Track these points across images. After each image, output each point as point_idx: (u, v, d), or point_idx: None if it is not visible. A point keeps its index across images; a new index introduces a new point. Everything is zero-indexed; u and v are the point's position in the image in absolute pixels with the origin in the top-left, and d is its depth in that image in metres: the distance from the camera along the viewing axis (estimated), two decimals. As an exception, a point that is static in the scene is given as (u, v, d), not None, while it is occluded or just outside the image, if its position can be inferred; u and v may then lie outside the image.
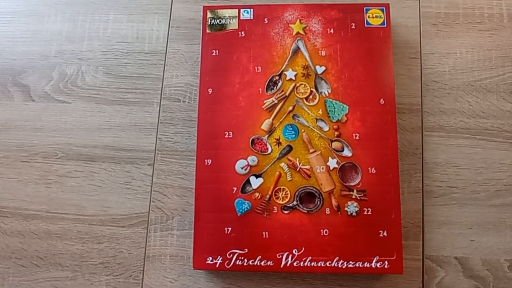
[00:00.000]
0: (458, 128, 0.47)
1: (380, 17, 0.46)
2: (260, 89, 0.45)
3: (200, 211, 0.43)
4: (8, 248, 0.47)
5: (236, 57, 0.46)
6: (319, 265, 0.42)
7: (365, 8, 0.46)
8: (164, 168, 0.48)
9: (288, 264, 0.42)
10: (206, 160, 0.44)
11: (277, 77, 0.45)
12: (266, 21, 0.47)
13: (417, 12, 0.50)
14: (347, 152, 0.44)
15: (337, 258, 0.42)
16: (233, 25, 0.47)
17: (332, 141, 0.44)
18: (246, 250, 0.42)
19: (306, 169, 0.43)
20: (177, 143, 0.48)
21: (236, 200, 0.43)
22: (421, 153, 0.47)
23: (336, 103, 0.45)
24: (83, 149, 0.49)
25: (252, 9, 0.47)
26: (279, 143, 0.44)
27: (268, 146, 0.44)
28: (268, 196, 0.43)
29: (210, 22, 0.47)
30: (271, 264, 0.42)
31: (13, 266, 0.46)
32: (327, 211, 0.43)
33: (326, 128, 0.44)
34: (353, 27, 0.46)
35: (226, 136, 0.44)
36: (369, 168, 0.43)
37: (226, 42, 0.46)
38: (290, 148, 0.44)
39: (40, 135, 0.49)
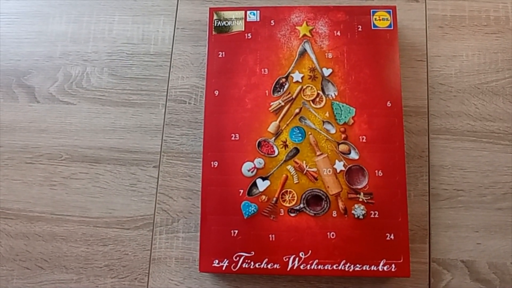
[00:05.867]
0: (465, 131, 0.47)
1: (387, 19, 0.46)
2: (267, 91, 0.45)
3: (206, 213, 0.43)
4: (13, 250, 0.47)
5: (242, 59, 0.46)
6: (325, 268, 0.42)
7: (371, 10, 0.46)
8: (169, 170, 0.47)
9: (294, 267, 0.42)
10: (212, 162, 0.44)
11: (283, 79, 0.45)
12: (273, 23, 0.47)
13: (423, 14, 0.50)
14: (354, 155, 0.44)
15: (344, 261, 0.42)
16: (240, 27, 0.47)
17: (339, 144, 0.44)
18: (253, 253, 0.42)
19: (313, 171, 0.43)
20: (182, 145, 0.48)
21: (243, 203, 0.43)
22: (427, 156, 0.46)
23: (343, 106, 0.44)
24: (88, 150, 0.48)
25: (258, 11, 0.47)
26: (285, 146, 0.44)
27: (275, 148, 0.44)
28: (274, 198, 0.43)
29: (216, 24, 0.47)
30: (277, 267, 0.42)
31: (17, 268, 0.46)
32: (334, 214, 0.43)
33: (333, 131, 0.44)
34: (359, 29, 0.46)
35: (233, 138, 0.44)
36: (376, 171, 0.43)
37: (233, 44, 0.46)
38: (296, 151, 0.44)
39: (44, 137, 0.49)
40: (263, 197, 0.43)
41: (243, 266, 0.42)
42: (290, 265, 0.42)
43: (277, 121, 0.44)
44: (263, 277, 0.45)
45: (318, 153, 0.44)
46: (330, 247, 0.42)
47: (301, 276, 0.44)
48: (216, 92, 0.45)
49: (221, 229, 0.43)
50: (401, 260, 0.42)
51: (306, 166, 0.43)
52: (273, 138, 0.44)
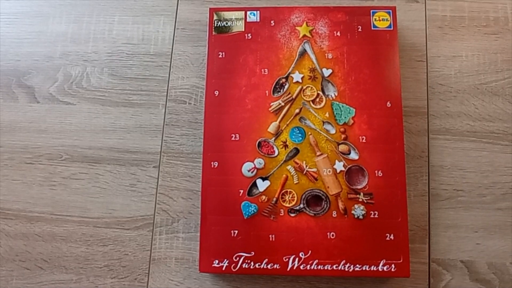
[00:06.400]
0: (464, 131, 0.47)
1: (387, 20, 0.46)
2: (267, 92, 0.45)
3: (206, 213, 0.43)
4: (12, 250, 0.47)
5: (242, 59, 0.46)
6: (325, 268, 0.42)
7: (371, 11, 0.46)
8: (169, 170, 0.47)
9: (294, 268, 0.42)
10: (212, 163, 0.44)
11: (283, 80, 0.45)
12: (273, 24, 0.47)
13: (423, 15, 0.50)
14: (353, 155, 0.44)
15: (344, 261, 0.42)
16: (240, 27, 0.47)
17: (339, 144, 0.44)
18: (253, 253, 0.42)
19: (313, 172, 0.43)
20: (182, 145, 0.48)
21: (243, 203, 0.43)
22: (427, 156, 0.47)
23: (342, 106, 0.44)
24: (88, 151, 0.48)
25: (258, 11, 0.47)
26: (285, 146, 0.44)
27: (275, 148, 0.44)
28: (274, 199, 0.43)
29: (216, 24, 0.47)
30: (277, 268, 0.42)
31: (17, 268, 0.46)
32: (334, 214, 0.43)
33: (332, 131, 0.44)
34: (359, 29, 0.46)
35: (233, 138, 0.44)
36: (376, 171, 0.43)
37: (233, 44, 0.46)
38: (297, 151, 0.44)
39: (44, 137, 0.49)
40: (263, 197, 0.43)
41: (243, 266, 0.42)
42: (290, 265, 0.42)
43: (277, 122, 0.44)
44: (263, 277, 0.45)
45: (318, 153, 0.44)
46: (330, 247, 0.42)
47: (301, 276, 0.44)
48: (216, 93, 0.45)
49: (221, 229, 0.43)
50: (401, 260, 0.42)
51: (306, 166, 0.44)
52: (273, 138, 0.44)
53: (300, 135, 0.44)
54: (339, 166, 0.43)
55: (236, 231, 0.43)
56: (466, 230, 0.45)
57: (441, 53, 0.49)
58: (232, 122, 0.44)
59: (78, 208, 0.47)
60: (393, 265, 0.42)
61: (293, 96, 0.45)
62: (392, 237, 0.42)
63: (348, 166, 0.43)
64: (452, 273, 0.44)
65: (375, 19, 0.46)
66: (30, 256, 0.46)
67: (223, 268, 0.42)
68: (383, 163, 0.43)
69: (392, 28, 0.46)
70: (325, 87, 0.45)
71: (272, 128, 0.44)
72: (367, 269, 0.42)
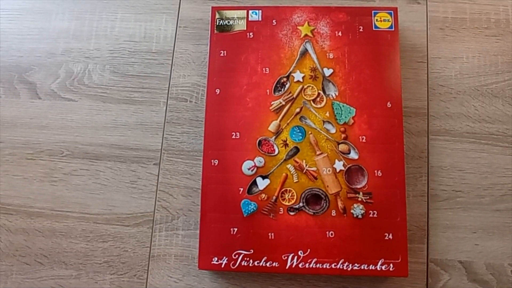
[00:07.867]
0: (464, 133, 0.47)
1: (388, 20, 0.46)
2: (268, 91, 0.45)
3: (206, 211, 0.43)
4: (12, 245, 0.47)
5: (244, 58, 0.46)
6: (324, 267, 0.42)
7: (373, 11, 0.47)
8: (170, 167, 0.48)
9: (293, 266, 0.42)
10: (212, 161, 0.44)
11: (284, 79, 0.45)
12: (275, 23, 0.47)
13: (424, 16, 0.50)
14: (353, 155, 0.44)
15: (342, 260, 0.42)
16: (241, 26, 0.47)
17: (338, 144, 0.44)
18: (252, 251, 0.42)
19: (313, 171, 0.44)
20: (183, 143, 0.48)
21: (243, 201, 0.43)
22: (426, 157, 0.47)
23: (343, 106, 0.45)
24: (89, 147, 0.49)
25: (260, 11, 0.47)
26: (286, 145, 0.44)
27: (275, 147, 0.44)
28: (274, 197, 0.43)
29: (218, 23, 0.47)
30: (276, 265, 0.42)
31: (16, 264, 0.46)
32: (333, 213, 0.43)
33: (333, 131, 0.44)
34: (361, 30, 0.46)
35: (233, 136, 0.44)
36: (375, 171, 0.43)
37: (234, 43, 0.46)
38: (297, 150, 0.44)
39: (46, 133, 0.49)
40: (263, 195, 0.43)
41: (242, 264, 0.42)
42: (289, 264, 0.42)
43: (278, 120, 0.45)
44: (262, 275, 0.45)
45: (318, 152, 0.44)
46: (328, 246, 0.42)
47: (299, 274, 0.45)
48: (217, 91, 0.45)
49: (220, 227, 0.43)
50: (399, 260, 0.42)
51: (306, 165, 0.44)
52: (274, 137, 0.44)
53: (300, 134, 0.44)
54: (339, 165, 0.44)
55: (236, 229, 0.43)
56: (465, 231, 0.45)
57: (441, 54, 0.49)
58: (233, 121, 0.45)
59: (79, 204, 0.47)
60: (391, 265, 0.42)
61: (294, 95, 0.45)
62: (390, 236, 0.42)
63: (348, 166, 0.44)
64: (450, 274, 0.44)
65: (376, 19, 0.46)
66: (30, 251, 0.47)
67: (222, 266, 0.42)
68: (383, 163, 0.43)
69: (393, 29, 0.46)
70: (326, 86, 0.45)
71: (272, 127, 0.44)
72: (365, 268, 0.42)
